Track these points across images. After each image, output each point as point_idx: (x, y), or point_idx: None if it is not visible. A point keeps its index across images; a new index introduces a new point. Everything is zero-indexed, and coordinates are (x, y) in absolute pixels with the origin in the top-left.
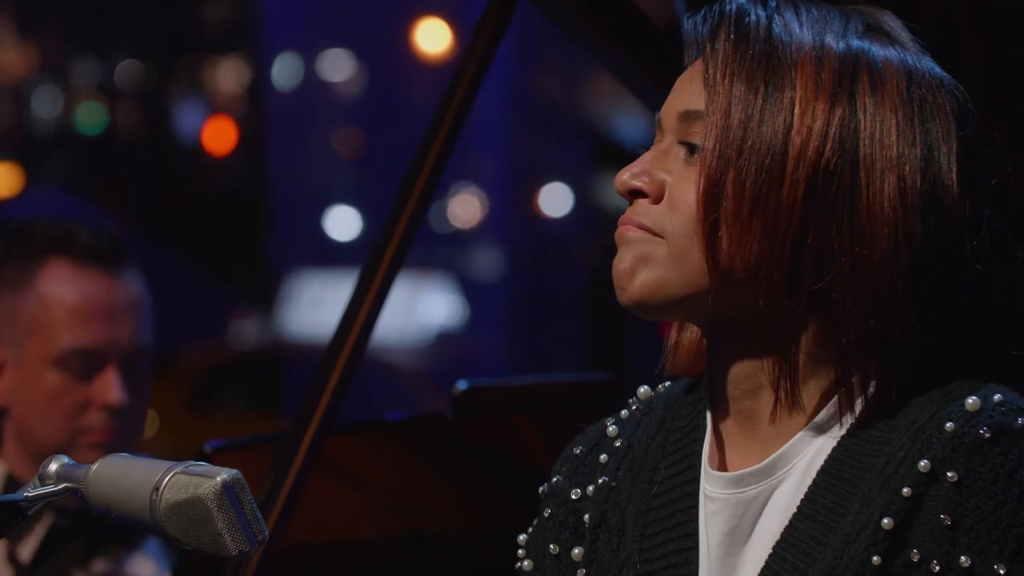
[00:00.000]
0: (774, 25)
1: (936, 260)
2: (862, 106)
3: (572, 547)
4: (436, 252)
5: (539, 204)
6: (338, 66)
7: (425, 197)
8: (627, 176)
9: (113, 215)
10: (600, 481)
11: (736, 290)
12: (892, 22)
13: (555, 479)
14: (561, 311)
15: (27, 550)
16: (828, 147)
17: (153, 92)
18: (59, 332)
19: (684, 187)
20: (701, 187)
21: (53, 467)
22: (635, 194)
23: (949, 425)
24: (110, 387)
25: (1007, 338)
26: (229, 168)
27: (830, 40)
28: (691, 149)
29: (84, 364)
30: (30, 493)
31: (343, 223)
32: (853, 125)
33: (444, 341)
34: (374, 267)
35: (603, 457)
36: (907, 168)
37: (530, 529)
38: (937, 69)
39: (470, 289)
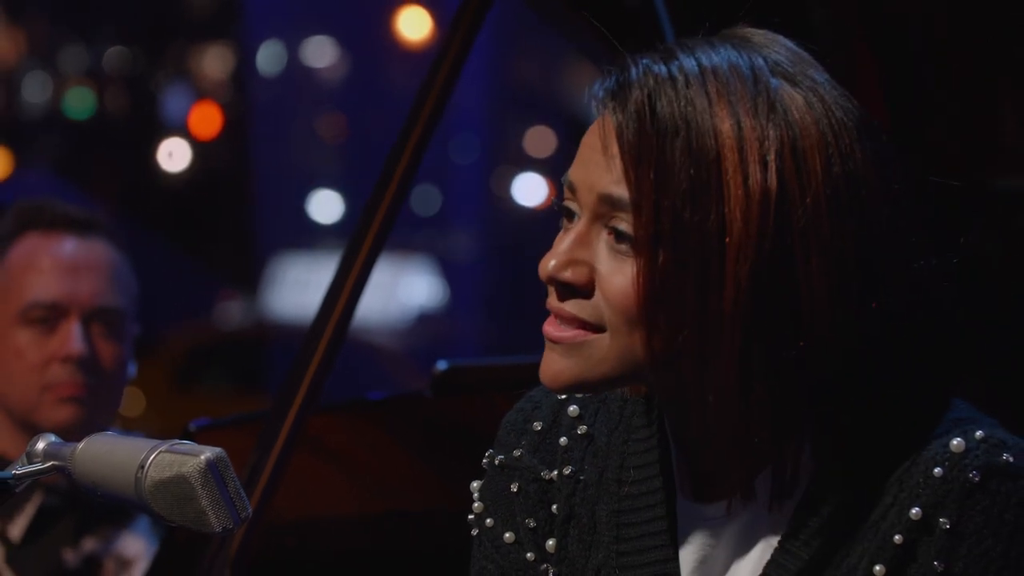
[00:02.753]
0: (686, 90)
1: (879, 324)
2: (791, 188)
3: (546, 533)
4: (417, 235)
5: (515, 191)
6: (321, 53)
7: (406, 181)
8: (553, 267)
9: (101, 198)
10: (566, 471)
11: (681, 373)
12: (789, 54)
13: (516, 452)
14: (539, 293)
15: (17, 529)
16: (766, 244)
17: (140, 78)
18: (24, 289)
19: (615, 278)
20: (640, 293)
21: (40, 445)
22: (562, 287)
23: (937, 471)
24: (70, 338)
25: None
26: (214, 152)
27: (744, 104)
28: (617, 236)
29: (46, 316)
30: (18, 471)
31: (326, 206)
32: (785, 211)
33: (425, 322)
34: (356, 249)
35: (563, 440)
36: (842, 251)
37: (476, 498)
38: (842, 100)
39: (450, 271)
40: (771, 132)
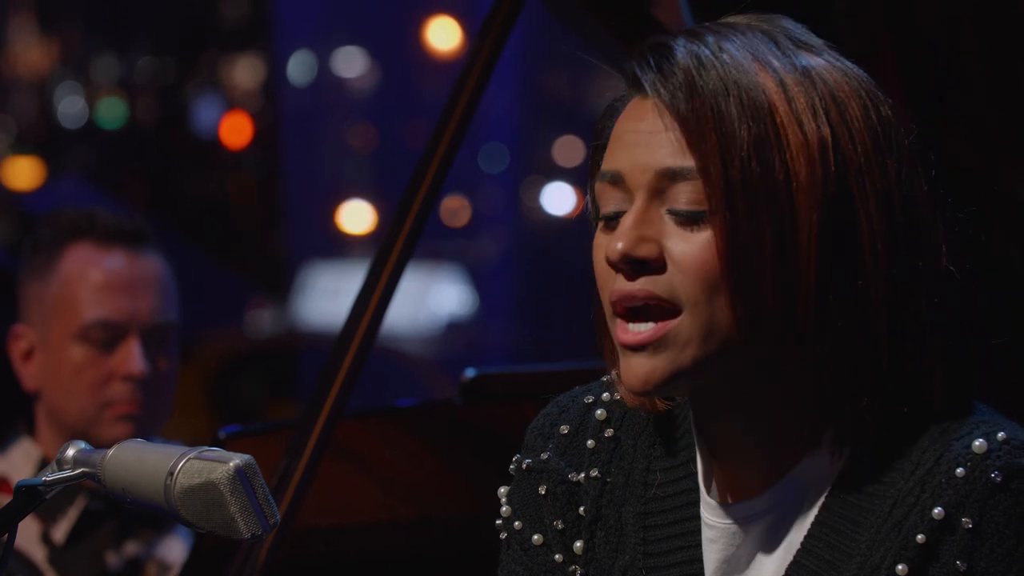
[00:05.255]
0: (725, 58)
1: (919, 289)
2: (841, 135)
3: (574, 535)
4: (447, 244)
5: (544, 200)
6: (351, 63)
7: (434, 190)
8: (625, 245)
9: (133, 206)
10: (593, 473)
11: (761, 344)
12: (799, 29)
13: (544, 455)
14: (568, 302)
15: (61, 531)
16: (830, 187)
17: (172, 88)
18: (82, 307)
19: (689, 248)
20: (721, 255)
21: (70, 452)
22: (635, 265)
23: (960, 471)
24: (131, 357)
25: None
26: (245, 161)
27: (779, 67)
28: (681, 214)
29: (106, 336)
30: (48, 477)
31: (356, 216)
32: (840, 154)
33: (454, 330)
34: (384, 258)
35: (590, 443)
36: (890, 192)
37: (504, 502)
38: (861, 70)
39: (480, 280)
40: (810, 87)
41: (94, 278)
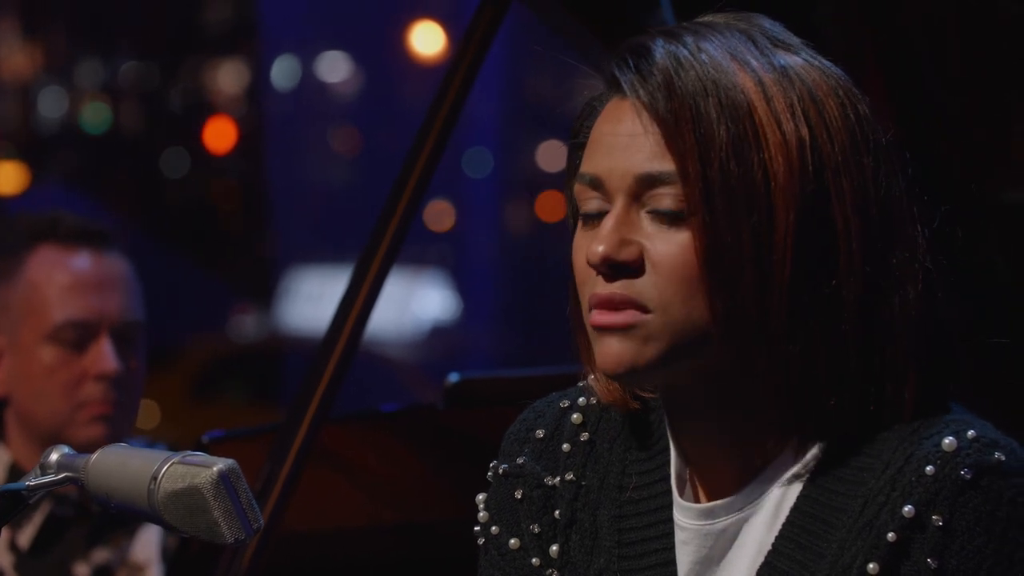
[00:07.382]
0: (704, 58)
1: (892, 289)
2: (819, 134)
3: (550, 538)
4: (431, 249)
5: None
6: (335, 67)
7: (417, 194)
8: (607, 248)
9: (116, 211)
10: (568, 477)
11: (735, 344)
12: (776, 27)
13: (520, 460)
14: (552, 307)
15: (25, 537)
16: (808, 186)
17: (156, 92)
18: (51, 308)
19: (669, 249)
20: (700, 256)
21: (54, 457)
22: (615, 268)
23: (929, 469)
24: (103, 356)
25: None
26: (229, 166)
27: (758, 66)
28: (661, 213)
29: (77, 336)
30: (32, 482)
31: (341, 220)
32: (818, 153)
33: (438, 335)
34: (367, 263)
35: (566, 446)
36: (866, 190)
37: (482, 508)
38: (838, 68)
39: (464, 285)
40: (788, 86)
41: (61, 279)
